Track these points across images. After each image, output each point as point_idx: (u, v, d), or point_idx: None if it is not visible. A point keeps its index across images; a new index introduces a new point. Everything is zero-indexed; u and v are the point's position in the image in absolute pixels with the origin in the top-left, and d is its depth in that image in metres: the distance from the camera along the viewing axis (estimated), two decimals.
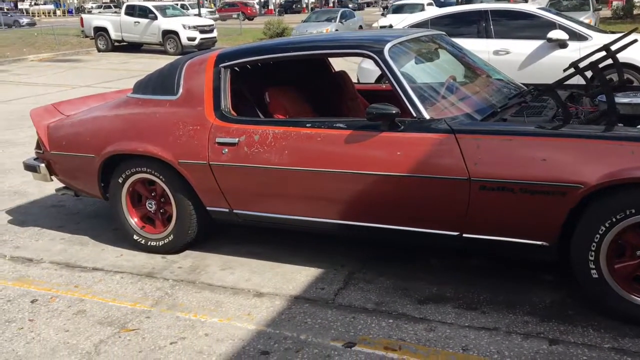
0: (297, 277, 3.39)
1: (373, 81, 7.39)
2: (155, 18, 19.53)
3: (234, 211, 3.54)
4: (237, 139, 3.37)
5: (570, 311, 2.87)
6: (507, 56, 7.38)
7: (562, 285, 3.10)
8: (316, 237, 3.83)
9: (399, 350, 2.63)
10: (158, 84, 3.77)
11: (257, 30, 26.01)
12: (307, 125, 3.26)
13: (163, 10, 20.44)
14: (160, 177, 3.65)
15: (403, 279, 3.31)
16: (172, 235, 3.75)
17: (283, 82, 4.07)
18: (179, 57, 4.10)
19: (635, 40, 3.30)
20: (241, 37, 24.20)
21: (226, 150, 3.38)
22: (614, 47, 3.36)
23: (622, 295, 2.69)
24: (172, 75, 3.71)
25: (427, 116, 3.04)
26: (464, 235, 2.99)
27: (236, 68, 3.77)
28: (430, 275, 3.33)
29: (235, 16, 39.46)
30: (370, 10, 54.44)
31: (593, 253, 2.69)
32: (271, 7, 57.95)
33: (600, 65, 3.09)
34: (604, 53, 3.32)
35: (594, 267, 2.70)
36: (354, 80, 5.28)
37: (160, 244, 3.79)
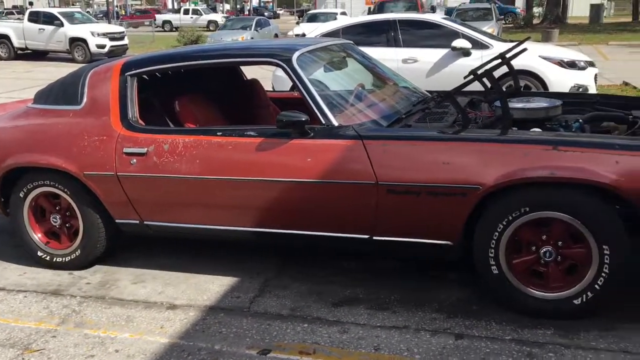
0: (212, 287, 3.36)
1: (288, 89, 7.44)
2: (62, 25, 18.72)
3: (145, 223, 3.46)
4: (145, 149, 3.30)
5: (475, 306, 3.01)
6: (415, 64, 7.65)
7: (467, 283, 3.25)
8: (231, 246, 3.81)
9: (313, 354, 2.67)
10: (60, 93, 3.63)
11: (171, 37, 25.52)
12: (218, 133, 3.25)
13: (70, 16, 19.60)
14: (65, 190, 3.51)
15: (317, 283, 3.36)
16: (79, 250, 3.60)
17: (194, 91, 4.02)
18: (83, 65, 3.96)
19: (525, 49, 3.52)
20: (154, 45, 23.65)
21: (134, 160, 3.30)
22: (508, 55, 3.56)
23: (521, 289, 2.86)
24: (75, 84, 3.59)
25: (335, 123, 3.11)
26: (374, 237, 3.08)
27: (144, 76, 3.70)
28: (343, 278, 3.40)
29: (147, 23, 38.49)
30: (286, 19, 54.83)
31: (493, 250, 2.84)
32: None
33: (499, 72, 3.26)
34: (499, 61, 3.51)
35: (494, 263, 2.86)
36: (269, 88, 5.31)
37: (67, 260, 3.64)
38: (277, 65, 3.32)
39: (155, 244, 3.95)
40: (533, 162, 2.70)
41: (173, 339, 2.84)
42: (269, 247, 3.79)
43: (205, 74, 4.26)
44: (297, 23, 25.81)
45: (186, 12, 38.33)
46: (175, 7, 59.04)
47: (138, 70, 3.55)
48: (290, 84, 7.71)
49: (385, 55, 7.42)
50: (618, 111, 3.54)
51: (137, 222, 3.47)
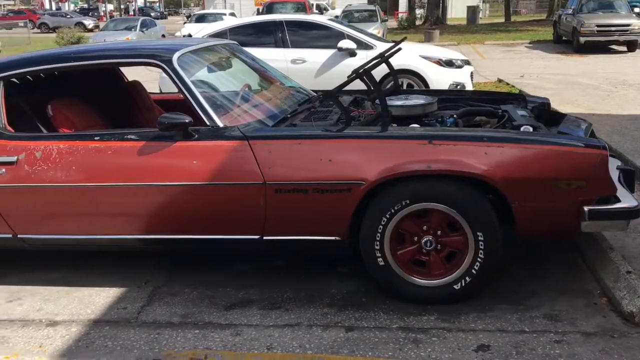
0: (97, 299, 3.20)
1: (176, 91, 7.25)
2: None
3: (19, 236, 3.23)
4: (15, 157, 3.09)
5: (364, 298, 3.10)
6: (304, 65, 7.74)
7: (357, 276, 3.33)
8: (118, 255, 3.66)
9: (205, 359, 2.62)
10: None
11: (50, 39, 24.06)
12: (96, 138, 3.11)
13: None
14: None
15: (209, 287, 3.30)
16: None
17: (70, 94, 3.81)
18: None
19: (400, 49, 3.67)
20: (30, 47, 22.19)
21: (3, 170, 3.08)
22: (386, 55, 3.69)
23: (406, 278, 2.97)
24: None
25: (220, 124, 3.07)
26: (265, 237, 3.08)
27: (13, 79, 3.46)
28: (236, 281, 3.37)
29: (22, 24, 36.02)
30: (175, 19, 53.49)
31: (378, 243, 2.94)
32: None
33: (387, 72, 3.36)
34: (378, 60, 3.63)
35: (380, 255, 2.95)
36: (156, 90, 5.14)
37: None
38: (157, 66, 3.23)
39: (34, 257, 3.70)
40: (411, 157, 2.82)
41: (53, 357, 2.68)
42: (158, 254, 3.68)
43: (83, 76, 4.05)
44: (185, 24, 25.26)
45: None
46: (54, 8, 55.75)
47: (5, 74, 3.32)
48: None
49: (274, 56, 7.46)
50: (489, 106, 3.78)
51: (10, 236, 3.23)
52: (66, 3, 56.89)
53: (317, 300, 3.10)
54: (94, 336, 2.84)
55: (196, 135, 3.03)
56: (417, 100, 3.53)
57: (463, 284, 2.91)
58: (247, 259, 3.62)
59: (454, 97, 4.23)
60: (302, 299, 3.12)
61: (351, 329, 2.81)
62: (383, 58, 3.51)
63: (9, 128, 3.23)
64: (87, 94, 3.95)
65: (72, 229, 3.21)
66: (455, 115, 3.50)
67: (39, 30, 36.21)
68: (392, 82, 4.02)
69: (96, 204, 3.11)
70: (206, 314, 3.02)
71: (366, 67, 3.26)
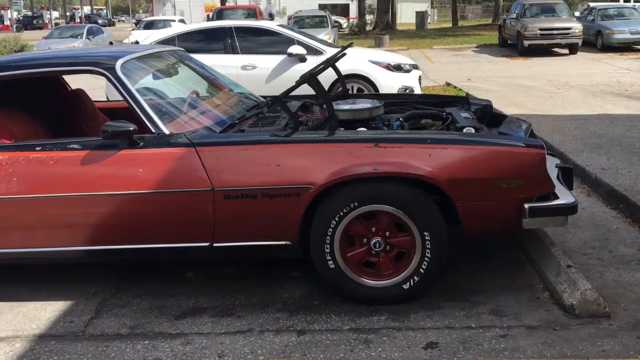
0: (42, 314, 3.12)
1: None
2: None
3: None
4: None
5: (316, 302, 3.12)
6: (254, 71, 7.73)
7: (308, 280, 3.35)
8: (64, 268, 3.56)
9: None
10: None
11: None
12: (37, 148, 3.03)
13: None
14: None
15: (159, 297, 3.26)
16: None
17: (10, 103, 3.70)
18: None
19: (344, 54, 3.71)
20: None
21: None
22: (332, 60, 3.73)
23: (356, 280, 3.01)
24: None
25: (166, 131, 3.04)
26: (215, 244, 3.06)
27: None
28: (187, 289, 3.33)
29: None
30: (123, 26, 52.51)
31: (328, 245, 2.96)
32: (7, 22, 52.22)
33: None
34: (323, 65, 3.66)
35: (330, 258, 2.98)
36: (103, 98, 5.04)
37: None
38: (100, 73, 3.18)
39: None
40: (358, 160, 2.86)
41: None
42: (105, 265, 3.60)
43: (24, 85, 3.94)
44: (132, 30, 24.84)
45: None
46: None
47: None
48: None
49: (224, 62, 7.43)
50: (434, 109, 3.87)
51: None
52: (8, 11, 55.09)
53: (270, 305, 3.10)
54: (39, 352, 2.76)
55: (141, 143, 3.00)
56: (364, 104, 3.58)
57: (412, 284, 2.96)
58: (198, 267, 3.59)
59: (400, 100, 4.31)
60: (254, 305, 3.12)
61: (303, 333, 2.82)
62: (329, 63, 3.54)
63: None
64: (28, 103, 3.85)
65: (16, 242, 3.12)
66: (401, 119, 3.56)
67: None
68: (340, 87, 4.07)
69: (40, 215, 3.03)
70: (156, 324, 2.98)
71: (313, 72, 3.29)
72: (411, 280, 2.96)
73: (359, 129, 3.37)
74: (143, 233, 3.07)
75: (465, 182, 2.86)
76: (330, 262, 2.98)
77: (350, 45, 4.07)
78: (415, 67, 8.18)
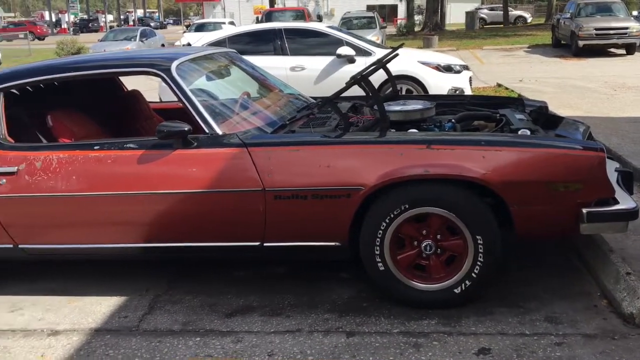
0: (97, 308, 3.21)
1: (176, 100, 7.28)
2: None
3: (20, 246, 3.24)
4: (15, 168, 3.10)
5: (365, 303, 3.10)
6: (303, 72, 7.77)
7: (357, 281, 3.34)
8: (118, 264, 3.66)
9: None
10: None
11: (50, 50, 24.17)
12: (95, 147, 3.12)
13: None
14: None
15: (210, 295, 3.31)
16: None
17: (69, 104, 3.83)
18: None
19: (397, 54, 3.68)
20: (31, 58, 22.28)
21: (4, 180, 3.10)
22: (384, 61, 3.71)
23: (406, 283, 2.98)
24: None
25: (219, 132, 3.08)
26: (265, 244, 3.08)
27: (13, 90, 3.48)
28: (237, 288, 3.37)
29: (22, 36, 36.17)
30: (174, 29, 53.67)
31: (378, 247, 2.94)
32: (64, 26, 54.18)
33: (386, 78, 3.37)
34: (375, 66, 3.64)
35: (380, 260, 2.96)
36: (156, 99, 5.17)
37: None
38: (156, 75, 3.25)
39: (34, 267, 3.71)
40: (409, 161, 2.83)
41: None
42: (158, 262, 3.68)
43: (82, 86, 4.08)
44: (184, 33, 25.37)
45: None
46: (54, 19, 56.01)
47: (5, 85, 3.34)
48: None
49: (273, 64, 7.49)
50: (487, 110, 3.80)
51: (11, 246, 3.24)
52: (66, 14, 57.16)
53: (319, 306, 3.10)
54: (95, 345, 2.85)
55: (195, 143, 3.05)
56: (415, 105, 3.54)
57: (463, 288, 2.91)
58: (248, 266, 3.63)
59: (452, 101, 4.25)
60: (304, 305, 3.13)
61: (352, 334, 2.81)
62: (380, 64, 3.52)
63: (9, 139, 3.24)
64: (86, 104, 3.97)
65: (73, 238, 3.22)
66: (453, 120, 3.51)
67: (39, 42, 36.36)
68: (391, 88, 4.04)
69: (96, 213, 3.12)
70: (207, 322, 3.02)
71: (364, 73, 3.28)
72: (463, 284, 2.91)
73: (409, 131, 3.33)
74: (195, 231, 3.12)
75: (520, 185, 2.79)
76: (380, 264, 2.96)
77: (401, 46, 4.04)
78: (466, 67, 8.06)
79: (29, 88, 3.78)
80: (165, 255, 3.31)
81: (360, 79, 3.18)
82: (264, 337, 2.84)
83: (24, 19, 61.89)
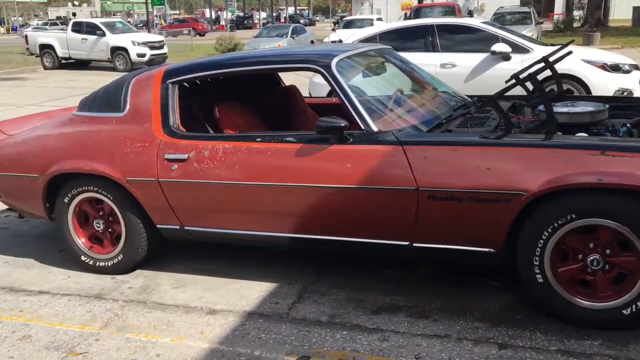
0: (251, 292, 3.37)
1: (324, 95, 7.45)
2: (104, 35, 19.21)
3: (185, 228, 3.49)
4: (186, 155, 3.34)
5: (519, 315, 2.94)
6: (454, 69, 7.57)
7: (510, 291, 3.17)
8: (270, 252, 3.82)
9: None
10: (104, 101, 3.71)
11: (209, 46, 25.89)
12: (258, 139, 3.26)
13: (111, 26, 20.10)
14: (108, 195, 3.58)
15: (356, 290, 3.33)
16: (121, 255, 3.67)
17: (233, 97, 4.06)
18: (125, 73, 4.04)
19: (570, 52, 3.43)
20: (192, 53, 24.04)
21: (175, 166, 3.34)
22: (552, 59, 3.49)
23: (567, 298, 2.77)
24: (118, 92, 3.66)
25: (375, 128, 3.08)
26: (414, 244, 3.04)
27: (185, 84, 3.75)
28: (383, 285, 3.36)
29: (186, 32, 39.19)
30: (322, 26, 55.05)
31: (537, 258, 2.77)
32: (222, 22, 57.84)
33: (541, 77, 3.20)
34: (542, 64, 3.44)
35: (539, 271, 2.78)
36: (305, 94, 5.32)
37: (109, 264, 3.71)
38: (316, 71, 3.32)
39: (196, 248, 3.98)
40: (579, 168, 2.62)
41: (213, 344, 2.85)
42: (307, 253, 3.78)
43: (244, 81, 4.30)
44: (333, 30, 25.89)
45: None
46: (213, 16, 59.96)
47: (179, 78, 3.60)
48: (327, 90, 7.79)
49: (423, 61, 7.36)
50: None
51: (178, 227, 3.50)
52: (224, 12, 60.95)
53: (467, 313, 2.99)
54: (248, 327, 2.99)
55: (351, 139, 3.07)
56: (585, 107, 3.28)
57: (634, 309, 2.65)
58: (394, 264, 3.60)
59: (623, 104, 3.88)
60: (451, 310, 3.04)
61: (504, 347, 2.68)
62: (549, 63, 3.30)
63: (181, 128, 3.50)
64: (248, 98, 4.18)
65: (232, 223, 3.40)
66: (629, 124, 3.20)
67: (199, 38, 39.14)
68: (550, 88, 3.78)
69: (254, 201, 3.27)
70: (353, 316, 3.04)
71: (531, 71, 3.09)
72: (633, 305, 2.64)
73: (577, 134, 3.09)
74: (345, 226, 3.15)
75: None
76: (539, 275, 2.79)
77: (571, 43, 3.76)
78: (637, 67, 7.35)
79: (198, 82, 4.06)
80: (314, 247, 3.38)
81: (528, 78, 3.00)
82: (411, 339, 2.80)
83: (187, 16, 66.97)
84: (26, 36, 21.24)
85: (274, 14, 57.26)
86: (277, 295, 3.32)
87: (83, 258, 3.77)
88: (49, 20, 57.26)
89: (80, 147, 3.60)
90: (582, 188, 2.62)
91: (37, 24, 49.70)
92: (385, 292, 3.28)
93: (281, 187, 3.16)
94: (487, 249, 2.91)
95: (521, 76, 3.15)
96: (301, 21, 46.87)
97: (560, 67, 6.56)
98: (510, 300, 3.09)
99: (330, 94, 7.43)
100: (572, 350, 2.62)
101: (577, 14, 30.91)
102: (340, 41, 10.05)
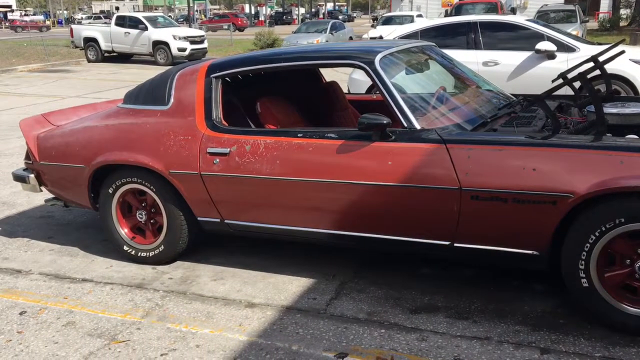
0: (289, 287, 3.38)
1: (364, 91, 7.42)
2: (146, 29, 19.54)
3: (225, 221, 3.53)
4: (228, 149, 3.36)
5: (562, 320, 2.88)
6: (496, 67, 7.44)
7: (553, 295, 3.11)
8: (308, 247, 3.83)
9: None
10: (149, 94, 3.77)
11: (248, 41, 26.09)
12: (299, 135, 3.27)
13: (153, 21, 20.42)
14: (151, 187, 3.64)
15: (395, 288, 3.31)
16: (162, 246, 3.72)
17: (274, 93, 4.08)
18: (169, 67, 4.10)
19: (622, 52, 3.33)
20: (232, 48, 24.25)
21: (217, 160, 3.38)
22: (601, 59, 3.39)
23: (613, 304, 2.70)
24: (163, 86, 3.71)
25: (417, 126, 3.05)
26: (455, 244, 3.00)
27: (227, 78, 3.78)
28: (421, 285, 3.33)
29: (225, 27, 39.58)
30: (360, 22, 54.84)
31: (583, 262, 2.70)
32: (262, 18, 58.19)
33: (589, 76, 3.12)
34: (592, 64, 3.35)
35: (584, 276, 2.71)
36: (345, 90, 5.30)
37: (151, 255, 3.77)
38: (360, 67, 3.30)
39: (235, 242, 4.02)
40: (630, 171, 2.54)
41: (251, 337, 2.88)
42: (346, 250, 3.78)
43: (285, 76, 4.31)
44: (373, 26, 25.75)
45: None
46: (253, 11, 60.37)
47: (222, 73, 3.63)
48: (366, 86, 7.76)
49: (465, 58, 7.26)
50: None
51: (218, 220, 3.54)
52: (264, 7, 61.31)
53: (509, 316, 2.94)
54: (286, 322, 3.00)
55: (393, 137, 3.05)
56: (637, 108, 3.18)
57: None
58: (433, 264, 3.57)
59: None
60: (492, 313, 2.99)
61: (547, 352, 2.62)
62: (598, 62, 3.21)
63: (224, 122, 3.53)
64: (289, 93, 4.19)
65: (270, 218, 3.42)
66: None
67: (239, 33, 39.48)
68: (597, 88, 3.68)
69: (294, 196, 3.28)
70: (391, 315, 3.03)
71: (580, 71, 3.01)
72: None
73: (628, 136, 3.00)
74: (386, 224, 3.13)
75: None
76: (584, 280, 2.72)
77: (622, 42, 3.65)
78: None
79: (240, 77, 4.09)
80: (353, 244, 3.37)
81: (578, 77, 2.93)
82: (450, 340, 2.76)
83: (227, 11, 67.60)
84: (71, 29, 21.76)
85: (313, 10, 57.29)
86: (314, 290, 3.32)
87: (125, 248, 3.84)
88: (93, 14, 58.55)
89: (125, 139, 3.67)
90: (632, 192, 2.54)
91: (82, 18, 50.83)
92: (424, 291, 3.26)
93: (322, 183, 3.16)
94: (530, 252, 2.85)
95: (569, 75, 3.08)
96: (340, 17, 46.81)
97: (607, 67, 6.45)
98: (553, 305, 3.03)
99: (369, 91, 7.40)
100: (618, 357, 2.55)
101: (624, 12, 29.99)
102: (381, 37, 9.97)
